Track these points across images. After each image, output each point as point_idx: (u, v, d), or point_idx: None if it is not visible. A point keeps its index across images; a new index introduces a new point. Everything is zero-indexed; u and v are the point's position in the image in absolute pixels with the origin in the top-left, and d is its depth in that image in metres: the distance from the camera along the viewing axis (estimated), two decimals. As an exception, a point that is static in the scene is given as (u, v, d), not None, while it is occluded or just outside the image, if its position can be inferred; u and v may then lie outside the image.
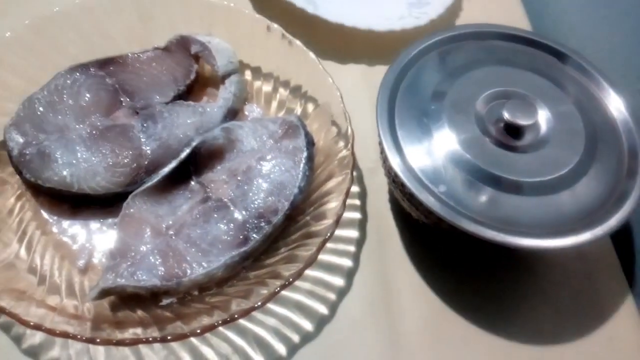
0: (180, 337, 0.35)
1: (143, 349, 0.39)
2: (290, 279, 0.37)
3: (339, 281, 0.43)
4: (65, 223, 0.43)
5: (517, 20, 0.60)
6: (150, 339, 0.35)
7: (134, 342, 0.34)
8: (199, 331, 0.35)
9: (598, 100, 0.44)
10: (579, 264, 0.45)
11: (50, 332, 0.34)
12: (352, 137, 0.43)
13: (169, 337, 0.35)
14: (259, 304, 0.36)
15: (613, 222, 0.37)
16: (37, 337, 0.39)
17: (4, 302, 0.35)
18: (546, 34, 0.49)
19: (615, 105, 0.43)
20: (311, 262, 0.38)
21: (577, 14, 0.57)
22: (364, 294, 0.43)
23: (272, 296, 0.37)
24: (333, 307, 0.42)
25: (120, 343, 0.34)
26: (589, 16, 0.54)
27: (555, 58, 0.46)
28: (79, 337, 0.34)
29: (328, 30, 0.55)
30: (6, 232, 0.41)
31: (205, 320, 0.36)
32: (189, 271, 0.40)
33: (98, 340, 0.34)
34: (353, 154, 0.43)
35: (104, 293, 0.38)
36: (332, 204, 0.42)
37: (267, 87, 0.50)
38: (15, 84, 0.45)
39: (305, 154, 0.44)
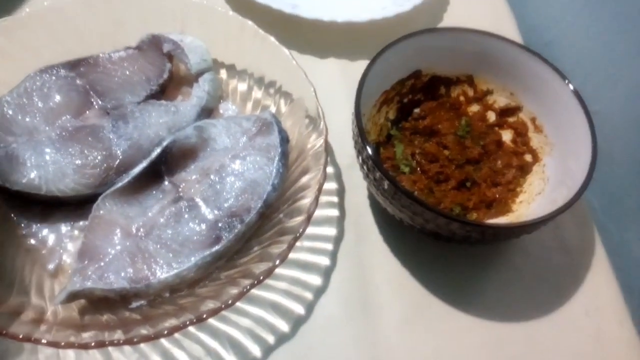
0: (146, 339, 0.34)
1: (114, 352, 0.38)
2: (261, 277, 0.36)
3: (315, 280, 0.42)
4: (36, 226, 0.42)
5: (500, 6, 0.59)
6: (115, 341, 0.34)
7: (98, 346, 0.33)
8: (165, 332, 0.34)
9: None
10: (563, 257, 0.44)
11: (13, 336, 0.33)
12: (325, 132, 0.42)
13: (134, 340, 0.34)
14: (229, 303, 0.35)
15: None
16: (2, 344, 0.38)
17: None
18: (529, 21, 0.48)
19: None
20: (282, 259, 0.37)
21: (559, 4, 0.55)
22: (341, 292, 0.42)
23: (241, 295, 0.36)
24: (309, 307, 0.41)
25: (84, 346, 0.33)
26: (571, 6, 0.53)
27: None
28: (42, 341, 0.33)
29: (306, 26, 0.54)
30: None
31: (173, 322, 0.35)
32: (158, 273, 0.39)
33: (62, 344, 0.33)
34: (327, 149, 0.42)
35: (71, 296, 0.37)
36: (307, 200, 0.41)
37: (242, 85, 0.50)
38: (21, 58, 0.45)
39: (279, 151, 0.43)
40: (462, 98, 0.47)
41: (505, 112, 0.45)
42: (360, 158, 0.40)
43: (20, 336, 0.33)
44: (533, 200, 0.40)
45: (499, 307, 0.42)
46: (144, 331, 0.34)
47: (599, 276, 0.43)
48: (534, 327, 0.41)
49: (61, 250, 0.42)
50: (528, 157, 0.43)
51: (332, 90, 0.52)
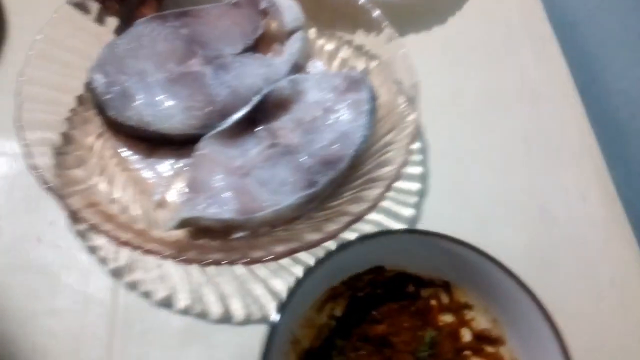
0: (255, 261, 0.37)
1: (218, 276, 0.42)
2: (360, 215, 0.39)
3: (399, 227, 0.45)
4: (142, 161, 0.45)
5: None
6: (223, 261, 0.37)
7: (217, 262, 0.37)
8: (272, 257, 0.38)
9: None
10: (589, 229, 0.45)
11: (139, 248, 0.37)
12: (416, 91, 0.45)
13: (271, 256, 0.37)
14: (332, 235, 0.38)
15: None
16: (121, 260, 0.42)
17: (92, 218, 0.38)
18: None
19: None
20: (378, 201, 0.40)
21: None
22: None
23: (342, 230, 0.39)
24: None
25: (213, 262, 0.37)
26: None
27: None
28: (169, 255, 0.37)
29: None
30: (88, 166, 0.44)
31: (280, 248, 0.38)
32: (258, 208, 0.42)
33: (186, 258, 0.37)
34: (415, 106, 0.45)
35: (182, 223, 0.41)
36: (393, 154, 0.44)
37: (330, 45, 0.52)
38: (98, 31, 0.48)
39: (367, 107, 0.46)
40: (434, 302, 0.37)
41: (484, 339, 0.35)
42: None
43: (145, 249, 0.37)
44: None
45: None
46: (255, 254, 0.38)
47: (623, 248, 0.45)
48: (561, 297, 0.38)
49: (165, 184, 0.45)
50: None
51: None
